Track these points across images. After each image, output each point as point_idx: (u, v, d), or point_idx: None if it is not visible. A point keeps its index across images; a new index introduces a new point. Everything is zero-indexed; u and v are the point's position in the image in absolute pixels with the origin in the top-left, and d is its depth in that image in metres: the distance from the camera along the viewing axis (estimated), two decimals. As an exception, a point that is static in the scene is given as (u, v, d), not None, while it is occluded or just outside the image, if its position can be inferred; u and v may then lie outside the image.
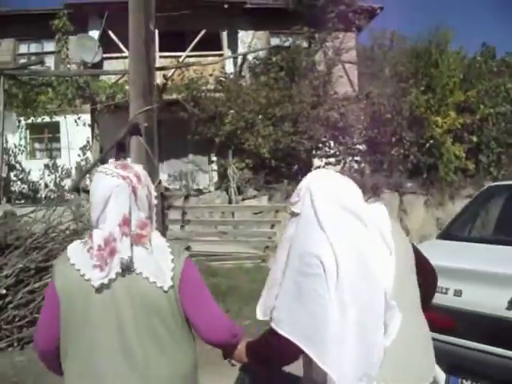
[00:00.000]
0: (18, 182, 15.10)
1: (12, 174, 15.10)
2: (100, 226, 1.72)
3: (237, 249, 8.61)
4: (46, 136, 16.25)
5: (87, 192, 7.27)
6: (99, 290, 1.67)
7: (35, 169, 14.97)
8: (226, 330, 1.88)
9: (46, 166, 15.05)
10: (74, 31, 13.67)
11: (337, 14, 13.91)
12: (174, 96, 13.13)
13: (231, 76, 13.76)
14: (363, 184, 11.31)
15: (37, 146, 16.67)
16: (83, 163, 14.58)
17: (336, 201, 1.79)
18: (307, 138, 11.94)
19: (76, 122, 14.08)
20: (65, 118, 13.78)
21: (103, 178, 1.76)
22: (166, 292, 1.71)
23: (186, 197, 9.66)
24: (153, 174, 5.91)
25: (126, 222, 1.70)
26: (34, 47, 16.25)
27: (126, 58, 14.64)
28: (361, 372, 1.64)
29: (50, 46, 15.65)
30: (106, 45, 14.89)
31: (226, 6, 14.62)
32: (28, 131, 15.81)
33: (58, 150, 15.91)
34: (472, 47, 28.16)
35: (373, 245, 1.74)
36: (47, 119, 14.36)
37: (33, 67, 10.62)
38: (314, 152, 12.91)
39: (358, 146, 13.36)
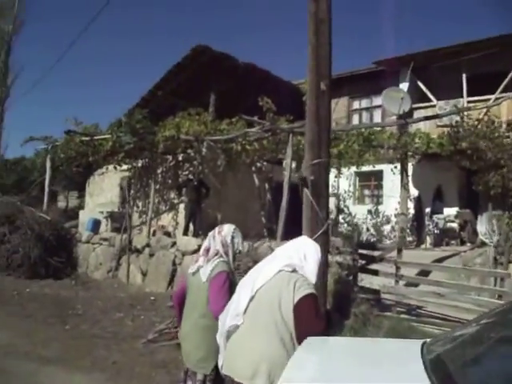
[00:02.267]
0: (345, 225, 16.57)
1: (340, 217, 16.70)
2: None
3: (459, 314, 7.79)
4: (372, 183, 17.36)
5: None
6: (191, 275, 3.78)
7: (360, 213, 16.18)
8: (216, 312, 3.40)
9: (369, 212, 16.10)
10: (386, 84, 14.46)
11: None
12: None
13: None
14: None
15: (366, 192, 17.92)
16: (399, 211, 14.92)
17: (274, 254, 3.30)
18: None
19: (392, 170, 14.64)
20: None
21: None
22: (204, 283, 3.60)
23: (399, 250, 9.09)
24: (317, 222, 6.39)
25: (205, 251, 3.75)
26: (364, 103, 17.82)
27: (434, 106, 14.61)
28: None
29: (377, 101, 16.82)
30: (417, 95, 15.13)
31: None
32: (357, 178, 17.26)
33: (381, 196, 16.79)
34: None
35: (251, 282, 3.09)
36: (372, 168, 15.43)
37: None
38: None
39: None
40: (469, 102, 14.21)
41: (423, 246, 14.30)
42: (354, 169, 15.67)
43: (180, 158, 14.45)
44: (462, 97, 14.58)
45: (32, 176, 23.68)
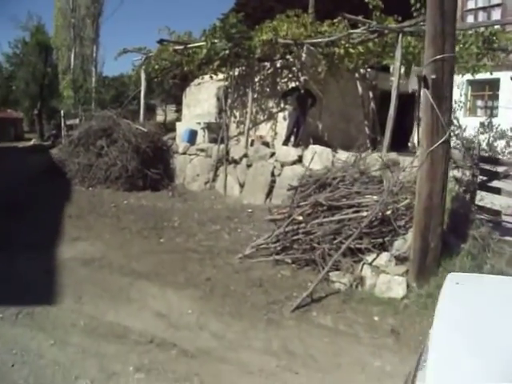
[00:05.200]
0: (454, 138, 15.32)
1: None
2: None
3: None
4: (486, 93, 15.75)
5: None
6: None
7: (471, 126, 14.84)
8: None
9: (481, 124, 14.72)
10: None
11: None
12: None
13: None
14: None
15: (478, 103, 16.33)
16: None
17: None
18: None
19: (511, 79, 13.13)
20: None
21: None
22: None
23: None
24: (438, 128, 5.63)
25: None
26: (481, 2, 15.90)
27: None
28: None
29: (497, -1, 14.97)
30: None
31: None
32: (470, 88, 15.73)
33: (496, 108, 15.25)
34: None
35: None
36: (488, 76, 13.89)
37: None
38: None
39: None
40: None
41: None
42: (466, 76, 14.22)
43: (278, 65, 13.76)
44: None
45: (129, 91, 23.84)
